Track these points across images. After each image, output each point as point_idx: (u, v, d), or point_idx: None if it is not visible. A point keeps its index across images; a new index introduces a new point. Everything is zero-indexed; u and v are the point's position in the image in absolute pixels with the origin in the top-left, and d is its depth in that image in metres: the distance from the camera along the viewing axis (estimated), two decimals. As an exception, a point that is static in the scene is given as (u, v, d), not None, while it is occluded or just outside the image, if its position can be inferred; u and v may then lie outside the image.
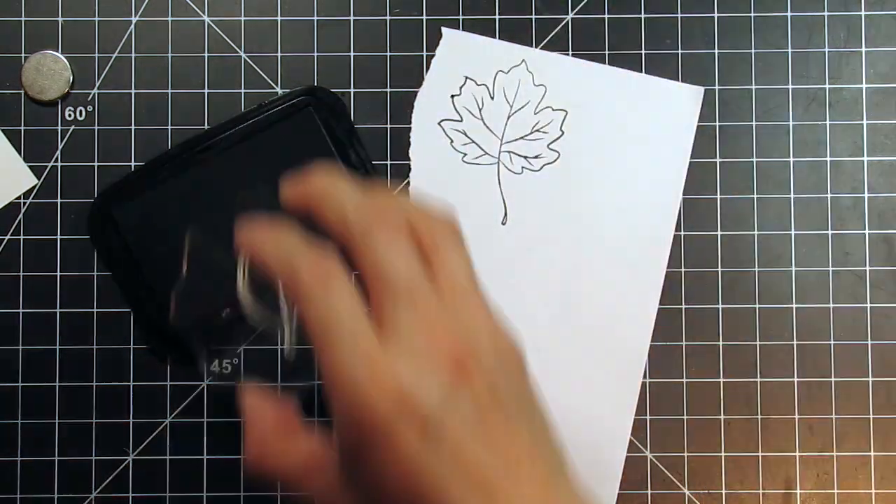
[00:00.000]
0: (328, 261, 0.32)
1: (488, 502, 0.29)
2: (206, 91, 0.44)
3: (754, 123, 0.44)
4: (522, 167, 0.44)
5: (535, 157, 0.44)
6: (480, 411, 0.30)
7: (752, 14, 0.45)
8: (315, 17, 0.44)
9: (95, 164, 0.44)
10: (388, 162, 0.44)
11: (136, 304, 0.42)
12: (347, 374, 0.30)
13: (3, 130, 0.44)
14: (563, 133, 0.44)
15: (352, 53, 0.44)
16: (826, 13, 0.45)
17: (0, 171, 0.43)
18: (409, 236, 0.32)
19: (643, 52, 0.44)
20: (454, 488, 0.29)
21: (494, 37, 0.44)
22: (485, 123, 0.44)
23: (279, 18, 0.44)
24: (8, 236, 0.43)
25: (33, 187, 0.44)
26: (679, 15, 0.45)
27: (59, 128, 0.44)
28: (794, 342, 0.44)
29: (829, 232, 0.44)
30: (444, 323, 0.31)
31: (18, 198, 0.44)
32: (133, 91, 0.44)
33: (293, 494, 0.33)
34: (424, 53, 0.44)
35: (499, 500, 0.29)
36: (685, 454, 0.43)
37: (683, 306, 0.44)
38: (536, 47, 0.44)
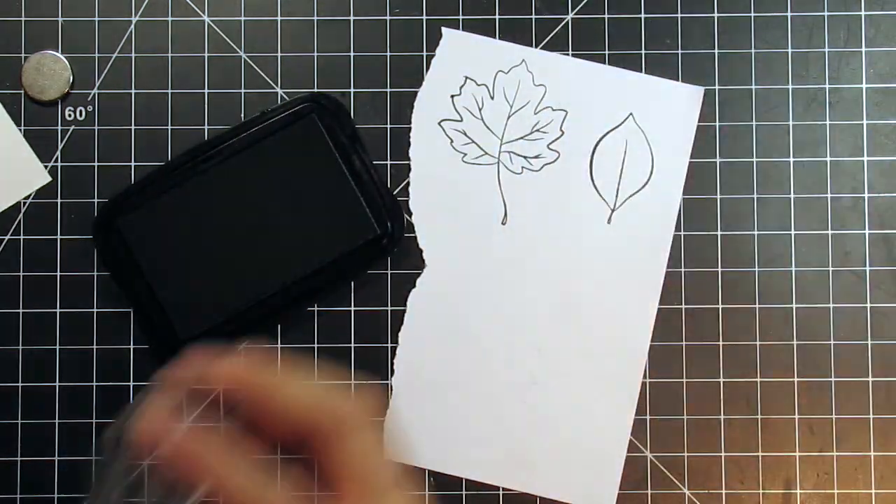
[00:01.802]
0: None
1: None
2: (206, 91, 0.44)
3: (754, 123, 0.44)
4: (522, 167, 0.44)
5: (535, 157, 0.44)
6: None
7: (752, 14, 0.45)
8: (315, 17, 0.44)
9: (95, 164, 0.44)
10: (388, 162, 0.44)
11: (142, 312, 0.42)
12: None
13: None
14: (563, 133, 0.44)
15: (352, 53, 0.44)
16: (826, 13, 0.45)
17: (15, 168, 0.43)
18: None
19: (643, 52, 0.44)
20: None
21: (494, 37, 0.44)
22: (485, 123, 0.44)
23: (279, 18, 0.44)
24: (8, 236, 0.43)
25: (33, 187, 0.44)
26: (679, 15, 0.45)
27: (59, 128, 0.44)
28: (794, 342, 0.44)
29: (829, 232, 0.44)
30: None
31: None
32: (133, 91, 0.44)
33: None
34: (424, 53, 0.44)
35: None
36: (685, 454, 0.43)
37: (683, 306, 0.44)
38: (536, 47, 0.44)
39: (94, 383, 0.43)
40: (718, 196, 0.44)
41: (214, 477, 0.28)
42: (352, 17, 0.44)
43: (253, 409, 0.30)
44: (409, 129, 0.44)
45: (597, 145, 0.44)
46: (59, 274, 0.43)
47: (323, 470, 0.29)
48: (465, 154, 0.44)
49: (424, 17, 0.44)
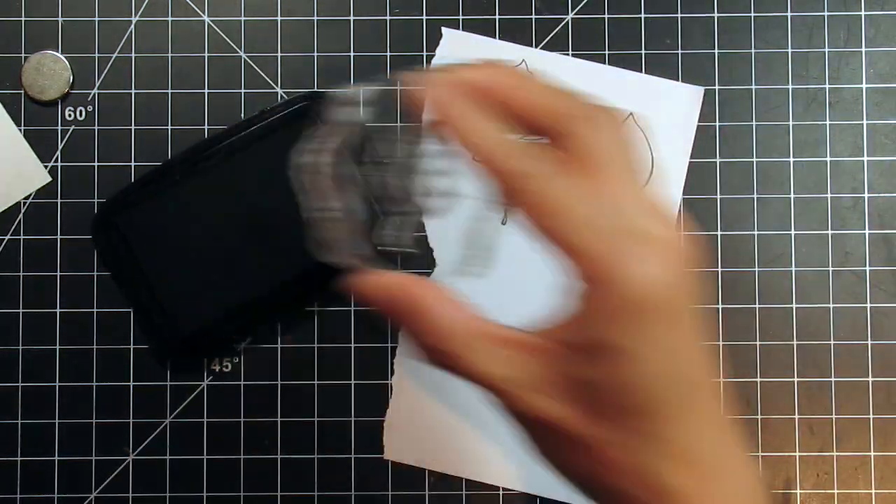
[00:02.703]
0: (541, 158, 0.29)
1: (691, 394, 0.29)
2: (206, 91, 0.44)
3: (754, 123, 0.44)
4: (522, 167, 0.44)
5: (535, 157, 0.44)
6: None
7: (752, 14, 0.45)
8: (315, 17, 0.44)
9: (95, 164, 0.44)
10: (388, 162, 0.44)
11: (142, 311, 0.42)
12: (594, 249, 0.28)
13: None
14: (563, 133, 0.44)
15: (352, 53, 0.44)
16: (826, 13, 0.45)
17: (15, 168, 0.43)
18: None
19: (643, 52, 0.44)
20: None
21: (494, 37, 0.44)
22: (485, 123, 0.44)
23: (279, 18, 0.44)
24: (8, 236, 0.43)
25: (33, 187, 0.44)
26: (679, 15, 0.45)
27: (59, 128, 0.44)
28: (794, 342, 0.44)
29: (829, 232, 0.44)
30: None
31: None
32: (133, 91, 0.44)
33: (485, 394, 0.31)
34: (424, 53, 0.44)
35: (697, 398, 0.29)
36: (685, 454, 0.43)
37: (683, 306, 0.44)
38: (536, 47, 0.44)
39: (94, 383, 0.43)
40: (718, 196, 0.44)
41: (461, 123, 0.29)
42: (352, 17, 0.44)
43: (502, 99, 0.30)
44: (409, 129, 0.44)
45: (597, 145, 0.44)
46: (59, 274, 0.43)
47: (570, 153, 0.29)
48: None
49: (424, 17, 0.44)
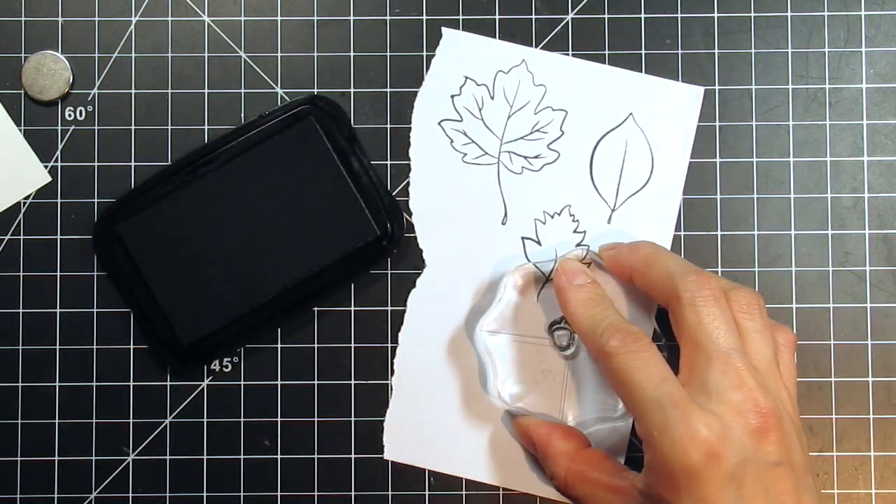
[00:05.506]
0: (636, 328, 0.37)
1: None
2: (206, 91, 0.44)
3: (754, 123, 0.44)
4: (522, 167, 0.44)
5: (535, 157, 0.44)
6: (775, 469, 0.34)
7: (752, 14, 0.45)
8: (315, 17, 0.44)
9: (95, 164, 0.44)
10: (388, 162, 0.44)
11: (143, 318, 0.42)
12: (660, 421, 0.34)
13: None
14: (562, 133, 0.44)
15: (352, 53, 0.44)
16: (826, 13, 0.45)
17: (15, 168, 0.43)
18: (728, 308, 0.37)
19: (643, 52, 0.44)
20: None
21: (494, 37, 0.44)
22: (485, 123, 0.44)
23: (279, 18, 0.44)
24: (8, 236, 0.43)
25: (33, 187, 0.44)
26: (679, 15, 0.45)
27: (59, 128, 0.44)
28: (794, 342, 0.44)
29: (829, 232, 0.44)
30: (752, 385, 0.35)
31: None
32: (133, 91, 0.44)
33: None
34: (424, 53, 0.44)
35: None
36: (685, 454, 0.43)
37: (683, 306, 0.44)
38: (536, 47, 0.44)
39: (94, 383, 0.43)
40: (718, 196, 0.44)
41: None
42: (352, 17, 0.44)
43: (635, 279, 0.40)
44: (409, 129, 0.44)
45: (597, 145, 0.44)
46: (59, 274, 0.43)
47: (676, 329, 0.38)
48: (465, 154, 0.44)
49: (424, 17, 0.44)
